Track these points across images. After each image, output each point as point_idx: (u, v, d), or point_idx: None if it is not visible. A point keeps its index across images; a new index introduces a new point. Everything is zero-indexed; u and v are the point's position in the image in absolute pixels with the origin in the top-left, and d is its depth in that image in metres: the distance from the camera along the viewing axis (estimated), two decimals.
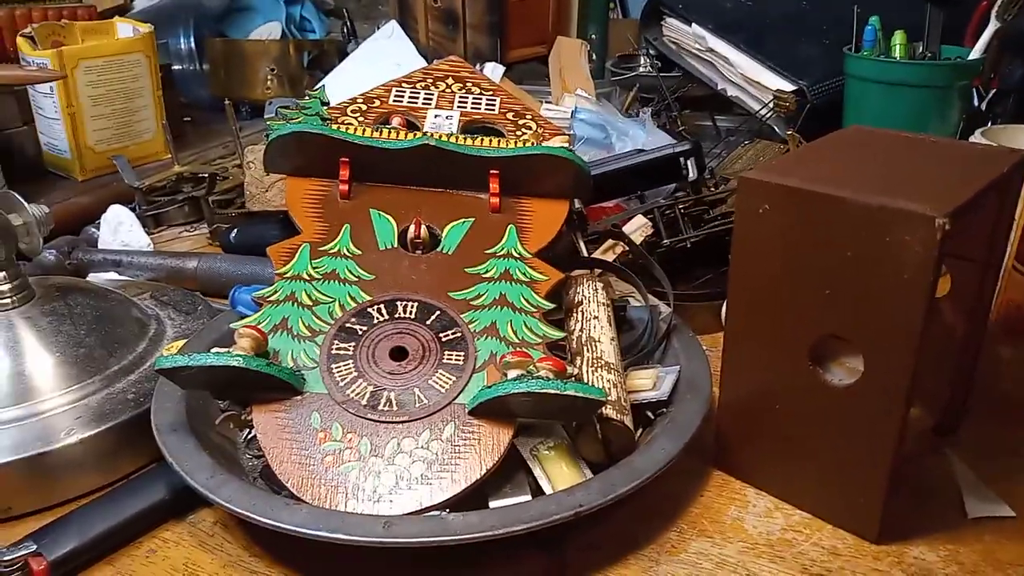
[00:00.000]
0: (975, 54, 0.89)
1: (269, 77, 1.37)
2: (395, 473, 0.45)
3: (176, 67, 1.43)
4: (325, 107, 0.62)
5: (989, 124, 0.88)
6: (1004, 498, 0.50)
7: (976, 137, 0.79)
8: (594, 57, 1.30)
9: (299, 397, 0.48)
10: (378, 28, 1.25)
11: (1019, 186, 0.52)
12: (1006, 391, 0.61)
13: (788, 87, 0.98)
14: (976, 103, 1.03)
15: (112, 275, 0.78)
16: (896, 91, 0.88)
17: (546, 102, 1.05)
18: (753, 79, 1.02)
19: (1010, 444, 0.55)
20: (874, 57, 0.91)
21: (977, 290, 0.53)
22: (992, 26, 0.89)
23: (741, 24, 1.08)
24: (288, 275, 0.54)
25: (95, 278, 0.77)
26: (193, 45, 1.43)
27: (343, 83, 1.07)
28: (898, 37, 0.90)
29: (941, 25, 0.90)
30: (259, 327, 0.49)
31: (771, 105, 0.98)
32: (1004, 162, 0.48)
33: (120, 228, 0.84)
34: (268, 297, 0.52)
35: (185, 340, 0.59)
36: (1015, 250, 0.58)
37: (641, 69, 1.28)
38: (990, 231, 0.51)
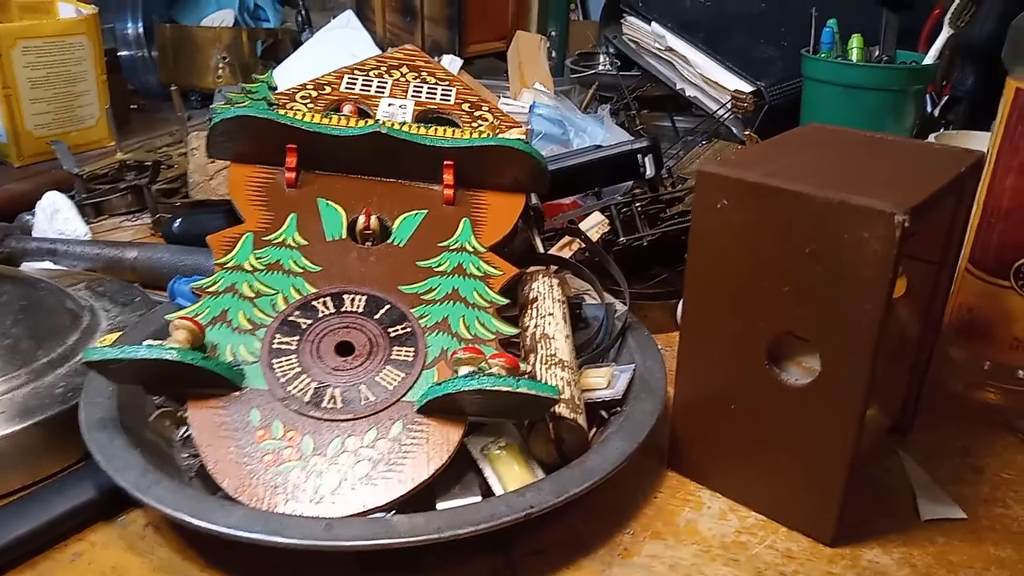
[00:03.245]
0: (929, 60, 0.90)
1: (221, 65, 1.33)
2: (338, 473, 0.43)
3: (123, 53, 1.38)
4: (273, 92, 0.60)
5: (941, 130, 0.89)
6: (954, 499, 0.50)
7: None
8: (553, 55, 1.29)
9: (237, 393, 0.46)
10: (334, 18, 1.22)
11: (975, 187, 0.52)
12: (957, 393, 0.61)
13: (746, 88, 0.98)
14: (929, 109, 1.04)
15: (47, 264, 0.74)
16: (852, 93, 0.89)
17: (504, 97, 1.03)
18: (711, 79, 1.02)
19: (960, 446, 0.55)
20: (831, 59, 0.92)
21: (932, 292, 0.53)
22: (945, 32, 0.90)
23: (700, 24, 1.08)
24: (229, 265, 0.51)
25: (28, 267, 0.74)
26: (141, 30, 1.38)
27: (295, 72, 1.04)
28: (855, 40, 0.91)
29: (897, 30, 0.91)
30: (196, 319, 0.47)
31: (729, 105, 0.98)
32: (961, 162, 0.48)
33: (56, 216, 0.80)
34: (207, 288, 0.50)
35: (120, 332, 0.56)
36: (969, 252, 0.58)
37: (600, 67, 1.28)
38: (946, 232, 0.51)
